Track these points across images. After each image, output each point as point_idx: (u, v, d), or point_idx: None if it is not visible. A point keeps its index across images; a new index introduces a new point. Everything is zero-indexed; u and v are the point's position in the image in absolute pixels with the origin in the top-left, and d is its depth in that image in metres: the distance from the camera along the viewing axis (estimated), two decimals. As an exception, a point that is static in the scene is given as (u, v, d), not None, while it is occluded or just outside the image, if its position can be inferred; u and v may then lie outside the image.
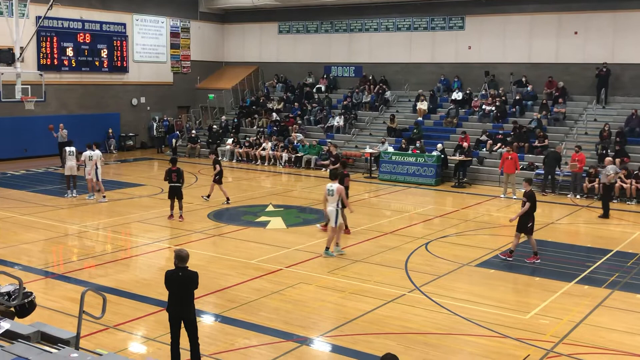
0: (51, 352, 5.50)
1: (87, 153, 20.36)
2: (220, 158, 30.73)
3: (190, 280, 8.72)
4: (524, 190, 14.79)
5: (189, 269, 8.74)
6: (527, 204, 14.08)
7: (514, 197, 22.09)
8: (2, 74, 23.82)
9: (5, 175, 24.79)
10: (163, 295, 11.52)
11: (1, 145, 27.97)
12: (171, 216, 17.87)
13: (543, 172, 23.32)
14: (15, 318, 7.51)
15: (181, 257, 8.68)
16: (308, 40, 35.51)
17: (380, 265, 13.89)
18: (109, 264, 13.73)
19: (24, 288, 8.35)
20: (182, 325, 8.72)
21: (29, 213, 18.36)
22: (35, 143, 29.20)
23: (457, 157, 25.01)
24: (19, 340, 5.53)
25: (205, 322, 10.72)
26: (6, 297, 8.36)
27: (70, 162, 20.81)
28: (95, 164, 20.16)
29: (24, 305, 8.31)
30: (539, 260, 14.23)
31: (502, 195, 22.50)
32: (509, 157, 22.36)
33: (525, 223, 14.16)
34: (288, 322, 10.50)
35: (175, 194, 17.69)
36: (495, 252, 15.04)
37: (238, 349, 9.50)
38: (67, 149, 21.41)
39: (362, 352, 9.36)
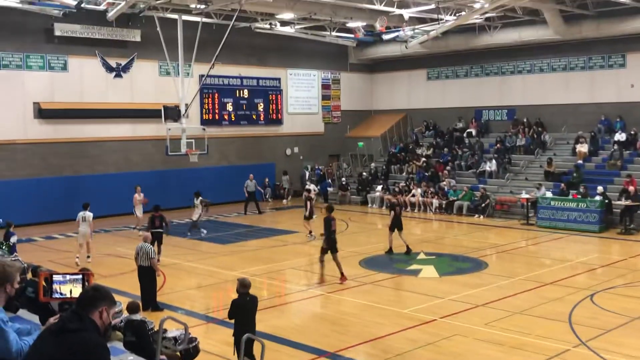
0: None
1: (82, 214, 18.78)
2: (370, 205, 31.10)
3: (257, 303, 9.73)
4: None
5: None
6: None
7: None
8: (170, 129, 25.76)
9: (171, 224, 26.45)
10: (319, 342, 11.69)
11: (168, 196, 29.87)
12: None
13: None
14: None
15: (247, 285, 9.64)
16: (457, 85, 35.19)
17: (541, 317, 13.12)
18: (265, 309, 14.07)
19: (189, 333, 8.80)
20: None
21: (192, 260, 19.39)
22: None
23: (623, 202, 23.35)
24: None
25: (360, 372, 10.64)
26: (173, 342, 8.83)
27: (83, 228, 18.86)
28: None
29: (189, 350, 8.74)
30: None
31: None
32: None
33: None
34: (444, 375, 10.16)
35: (157, 239, 18.00)
36: (671, 306, 13.73)
37: (393, 401, 9.29)
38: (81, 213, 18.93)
39: (524, 411, 8.81)
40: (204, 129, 27.99)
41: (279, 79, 34.68)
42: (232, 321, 9.93)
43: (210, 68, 26.02)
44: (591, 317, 13.05)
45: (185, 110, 26.23)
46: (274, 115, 34.51)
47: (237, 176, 31.68)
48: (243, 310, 9.51)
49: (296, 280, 17.21)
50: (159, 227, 18.57)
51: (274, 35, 31.69)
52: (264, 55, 33.85)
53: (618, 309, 13.52)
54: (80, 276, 5.62)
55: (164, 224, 18.91)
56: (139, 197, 24.39)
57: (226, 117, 32.67)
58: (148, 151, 29.57)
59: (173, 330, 9.24)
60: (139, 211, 24.39)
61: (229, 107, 32.71)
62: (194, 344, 8.81)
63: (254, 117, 33.73)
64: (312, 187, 26.16)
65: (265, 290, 16.28)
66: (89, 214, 18.78)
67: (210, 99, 32.04)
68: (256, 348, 9.10)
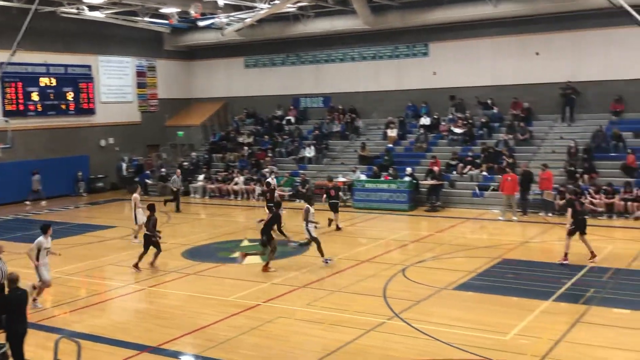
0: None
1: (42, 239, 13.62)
2: (192, 195, 30.75)
3: (26, 296, 9.81)
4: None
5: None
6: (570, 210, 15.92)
7: (514, 219, 22.13)
8: (-33, 122, 23.62)
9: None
10: (140, 338, 11.41)
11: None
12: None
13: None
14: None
15: (15, 280, 9.56)
16: (275, 73, 35.72)
17: (358, 294, 13.82)
18: (83, 309, 13.46)
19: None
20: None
21: (-2, 262, 17.92)
22: (2, 190, 28.74)
23: (429, 182, 25.17)
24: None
25: (184, 363, 10.54)
26: (-23, 351, 8.17)
27: None
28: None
29: (-5, 358, 8.13)
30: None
31: (500, 218, 22.49)
32: (509, 178, 22.48)
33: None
34: (268, 358, 10.37)
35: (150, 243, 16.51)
36: (472, 274, 15.08)
37: (219, 389, 9.32)
38: None
39: (344, 384, 9.24)
40: (6, 121, 26.07)
41: (89, 67, 33.00)
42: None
43: (11, 55, 24.19)
44: (403, 290, 13.97)
45: (-16, 101, 24.16)
46: (86, 104, 32.83)
47: (46, 170, 29.85)
48: (14, 305, 9.41)
49: (116, 276, 16.58)
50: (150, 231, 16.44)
51: (82, 21, 30.02)
52: (71, 41, 32.02)
53: (427, 280, 14.59)
54: None
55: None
56: None
57: (32, 107, 30.50)
58: (-57, 146, 26.83)
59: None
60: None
61: (35, 97, 30.57)
62: (1, 351, 8.23)
63: (63, 107, 31.86)
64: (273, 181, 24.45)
65: (83, 289, 15.53)
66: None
67: (12, 89, 29.73)
68: (69, 348, 8.67)
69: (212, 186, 30.42)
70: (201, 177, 31.27)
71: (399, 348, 10.60)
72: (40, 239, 13.47)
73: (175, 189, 26.85)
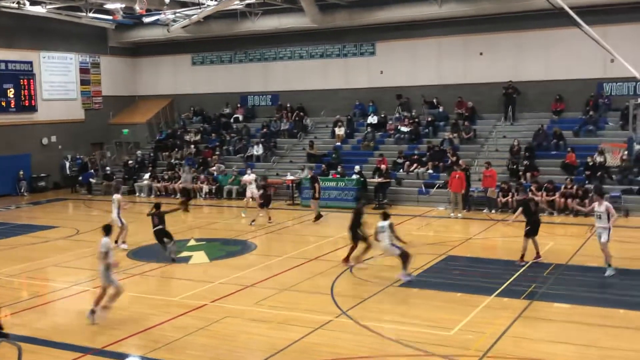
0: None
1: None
2: (138, 194, 30.31)
3: None
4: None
5: None
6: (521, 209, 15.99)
7: (459, 216, 22.48)
8: None
9: None
10: (85, 340, 11.21)
11: None
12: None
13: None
14: None
15: None
16: (223, 70, 35.46)
17: (306, 292, 13.87)
18: (25, 311, 13.12)
19: None
20: None
21: None
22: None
23: (376, 180, 25.41)
24: None
25: (130, 365, 10.39)
26: None
27: None
28: None
29: None
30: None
31: (452, 215, 22.84)
32: (457, 176, 22.79)
33: None
34: (215, 358, 10.31)
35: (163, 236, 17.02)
36: (417, 270, 15.29)
37: (165, 390, 9.22)
38: None
39: (292, 383, 9.26)
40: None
41: (30, 63, 32.14)
42: None
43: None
44: (351, 288, 14.09)
45: None
46: (27, 101, 31.99)
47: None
48: None
49: (59, 277, 16.20)
50: (157, 225, 16.89)
51: (23, 15, 29.20)
52: (12, 37, 31.17)
53: (374, 277, 14.75)
54: None
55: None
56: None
57: (-30, 104, 29.57)
58: None
59: None
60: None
61: (-27, 94, 29.66)
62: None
63: (4, 104, 31.02)
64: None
65: (24, 291, 15.14)
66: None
67: (-51, 85, 28.74)
68: (10, 352, 8.46)
69: (158, 185, 30.01)
70: (147, 175, 30.83)
71: (346, 345, 10.68)
72: (107, 240, 12.31)
73: (185, 186, 26.71)
